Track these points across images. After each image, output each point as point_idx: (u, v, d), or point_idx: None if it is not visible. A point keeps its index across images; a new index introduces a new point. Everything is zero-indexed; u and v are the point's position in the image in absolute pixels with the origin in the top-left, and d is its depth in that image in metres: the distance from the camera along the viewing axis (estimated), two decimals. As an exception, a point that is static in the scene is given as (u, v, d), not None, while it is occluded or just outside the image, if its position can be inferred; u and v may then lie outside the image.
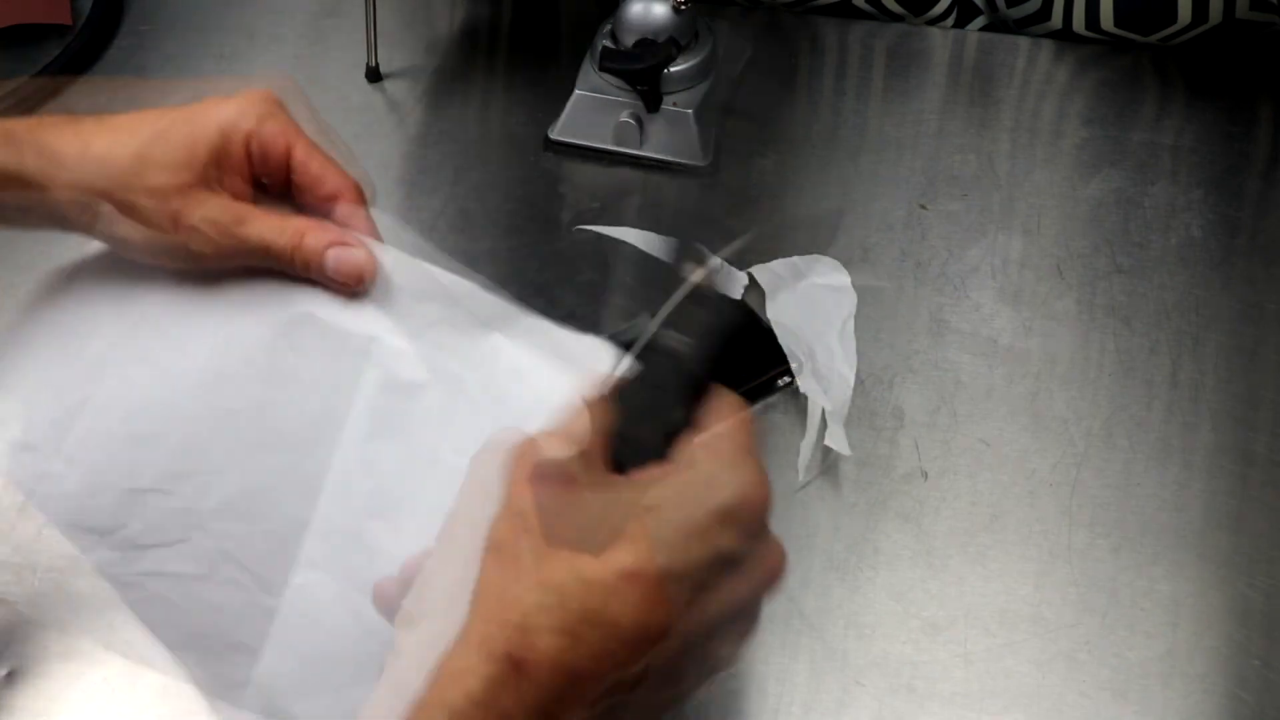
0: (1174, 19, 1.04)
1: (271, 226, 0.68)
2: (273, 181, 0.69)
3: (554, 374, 0.70)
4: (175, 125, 0.67)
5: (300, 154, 0.68)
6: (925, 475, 0.82)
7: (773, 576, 0.56)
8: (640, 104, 0.97)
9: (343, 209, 0.69)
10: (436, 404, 0.70)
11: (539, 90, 1.04)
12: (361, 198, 0.70)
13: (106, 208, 0.67)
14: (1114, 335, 0.89)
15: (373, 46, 1.04)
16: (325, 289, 0.69)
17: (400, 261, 0.70)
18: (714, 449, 0.56)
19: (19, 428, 0.74)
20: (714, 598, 0.54)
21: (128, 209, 0.67)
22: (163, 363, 0.72)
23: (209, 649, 0.72)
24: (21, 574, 0.78)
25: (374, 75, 1.05)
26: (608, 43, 0.98)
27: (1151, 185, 0.97)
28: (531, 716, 0.51)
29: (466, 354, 0.71)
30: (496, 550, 0.54)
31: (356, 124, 1.02)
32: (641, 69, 0.95)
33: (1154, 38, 1.05)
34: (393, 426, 0.70)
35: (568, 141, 1.00)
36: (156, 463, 0.71)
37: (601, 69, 0.97)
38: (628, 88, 0.97)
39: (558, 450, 0.55)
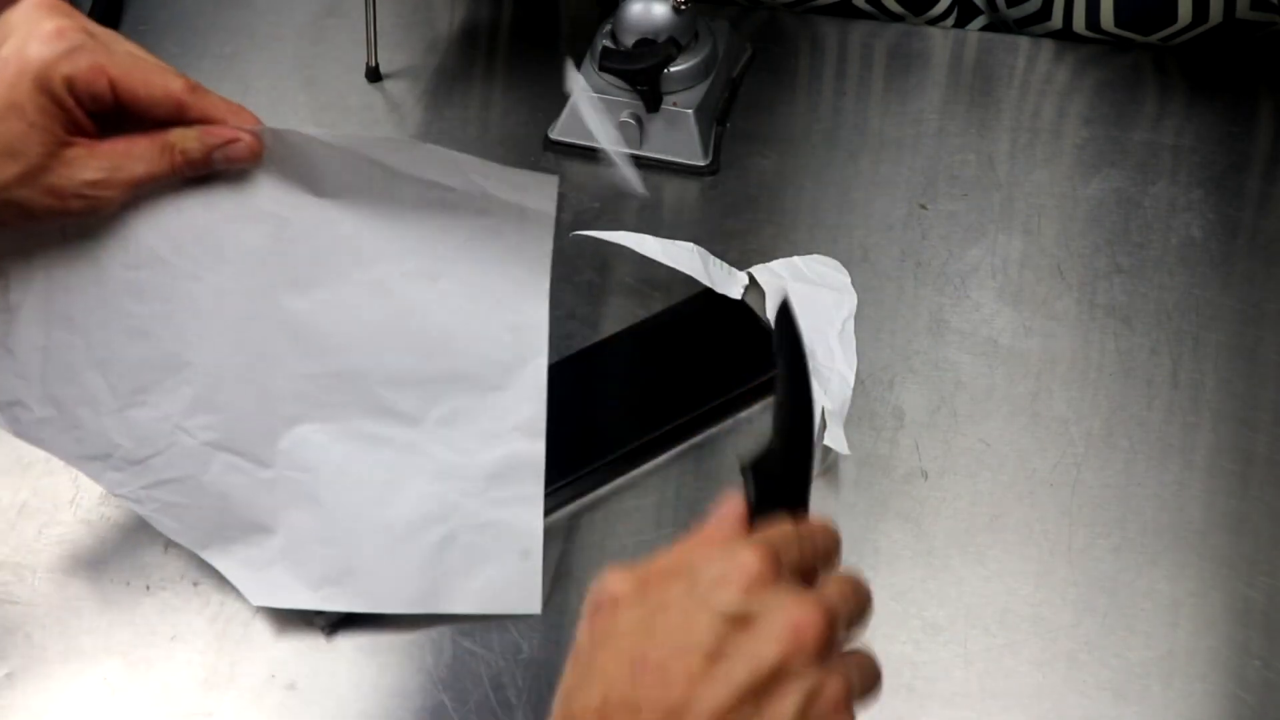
0: (1174, 19, 1.04)
1: (146, 155, 0.68)
2: (102, 111, 0.67)
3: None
4: None
5: (121, 79, 0.66)
6: (925, 475, 0.82)
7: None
8: (640, 104, 0.97)
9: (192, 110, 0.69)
10: (362, 238, 0.73)
11: (539, 90, 1.04)
12: (194, 89, 0.69)
13: None
14: (1114, 335, 0.89)
15: (373, 46, 1.03)
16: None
17: (280, 135, 0.71)
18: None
19: (1, 389, 0.76)
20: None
21: (1, 208, 0.66)
22: (93, 289, 0.73)
23: (230, 538, 0.76)
24: (21, 574, 0.78)
25: (374, 75, 1.05)
26: (608, 43, 0.98)
27: (1151, 185, 0.97)
28: None
29: (375, 190, 0.73)
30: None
31: (356, 124, 1.02)
32: (641, 69, 0.95)
33: (1154, 38, 1.05)
34: (326, 270, 0.73)
35: (568, 141, 1.00)
36: (121, 381, 0.74)
37: (601, 69, 0.97)
38: (628, 88, 0.97)
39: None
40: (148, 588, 0.77)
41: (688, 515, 0.80)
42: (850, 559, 0.78)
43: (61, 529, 0.80)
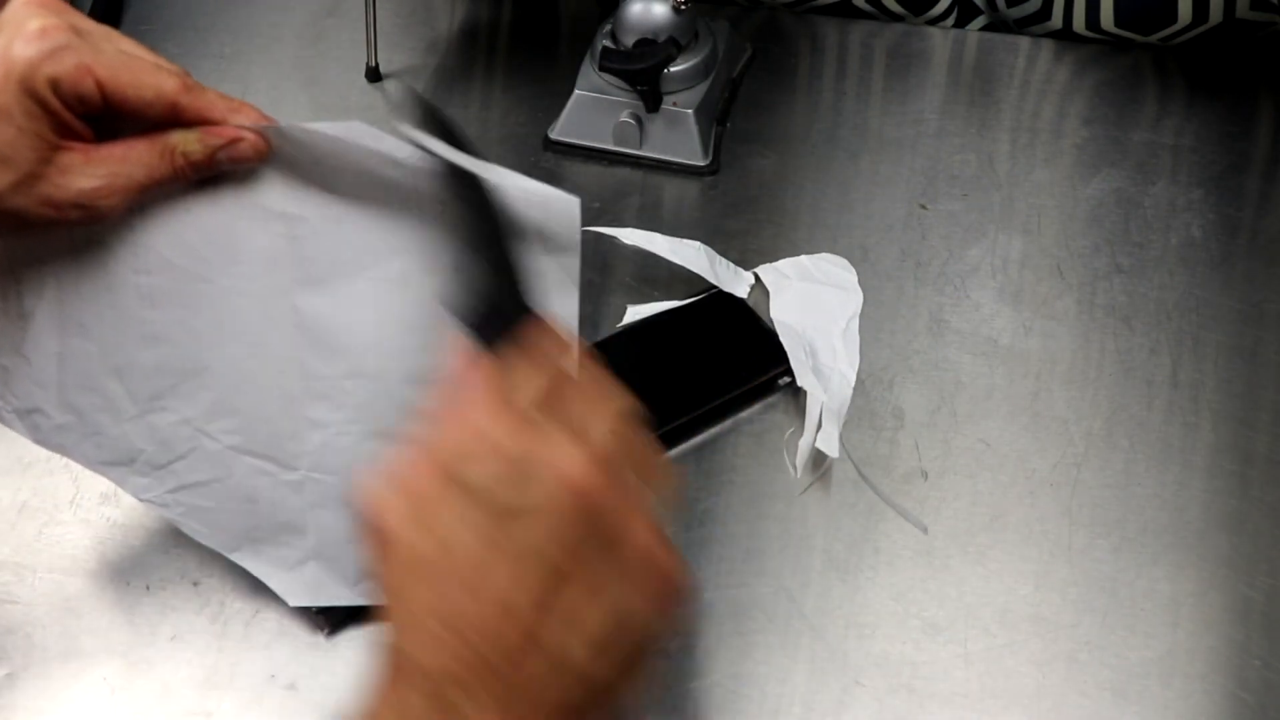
0: (1174, 19, 1.04)
1: (146, 159, 0.66)
2: (92, 113, 0.65)
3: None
4: None
5: (109, 80, 0.63)
6: (925, 475, 0.82)
7: (655, 585, 0.55)
8: (640, 104, 0.97)
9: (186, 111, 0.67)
10: (378, 233, 0.71)
11: (539, 90, 1.04)
12: (189, 88, 0.66)
13: None
14: (1114, 335, 0.89)
15: (373, 46, 1.03)
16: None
17: (289, 131, 0.70)
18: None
19: (19, 396, 0.75)
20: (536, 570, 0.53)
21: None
22: (105, 296, 0.72)
23: (260, 540, 0.75)
24: (21, 574, 0.78)
25: (374, 75, 1.05)
26: (608, 43, 0.98)
27: (1151, 185, 0.97)
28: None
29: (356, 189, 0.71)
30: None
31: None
32: (641, 69, 0.95)
33: (1154, 38, 1.05)
34: (342, 267, 0.71)
35: (568, 141, 1.00)
36: (139, 387, 0.73)
37: (601, 69, 0.97)
38: (628, 88, 0.97)
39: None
40: (148, 588, 0.77)
41: (688, 514, 0.80)
42: (850, 559, 0.78)
43: (61, 529, 0.80)
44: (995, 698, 0.73)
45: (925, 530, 0.79)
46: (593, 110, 0.98)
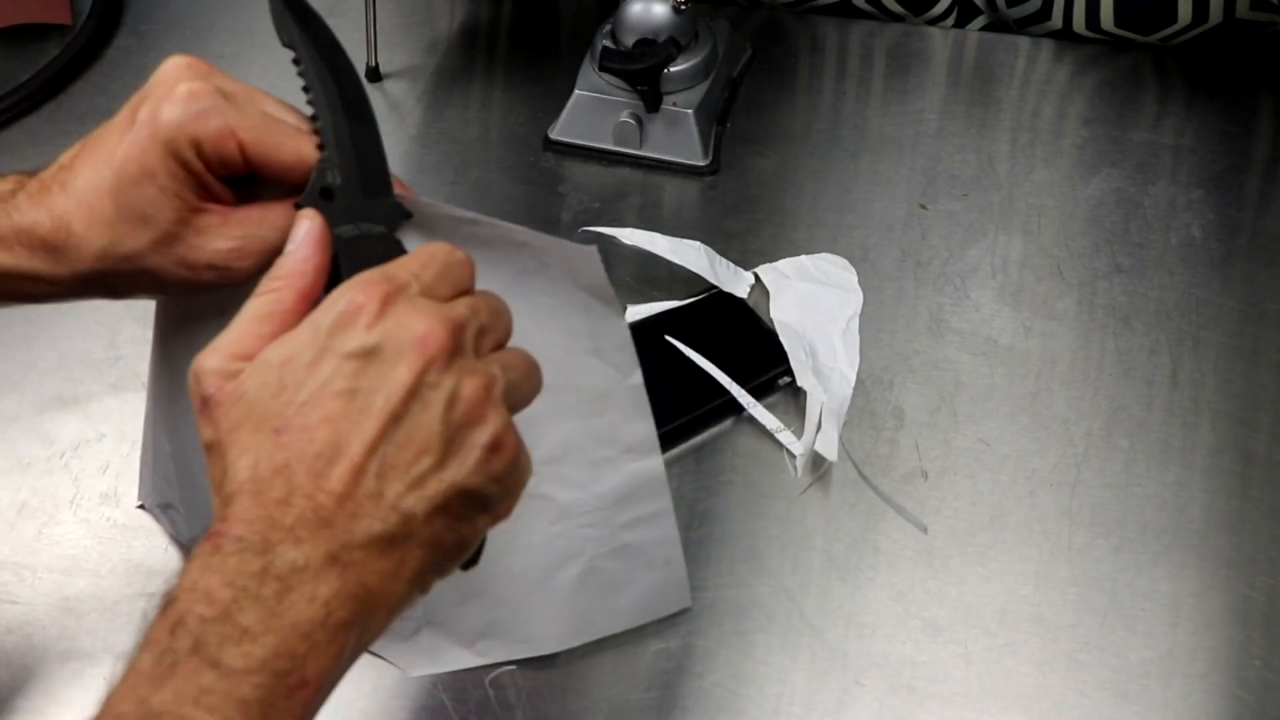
0: (1174, 19, 1.04)
1: (281, 223, 0.65)
2: (234, 175, 0.65)
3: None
4: (124, 175, 0.63)
5: (252, 144, 0.64)
6: (925, 475, 0.82)
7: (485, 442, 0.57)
8: (640, 104, 0.97)
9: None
10: None
11: (539, 90, 1.04)
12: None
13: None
14: (1114, 335, 0.89)
15: (373, 46, 1.04)
16: None
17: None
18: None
19: (157, 491, 0.78)
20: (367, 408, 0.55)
21: (132, 278, 0.65)
22: (181, 396, 0.72)
23: None
24: (21, 574, 0.78)
25: (374, 75, 1.05)
26: (608, 43, 0.98)
27: (1151, 185, 0.97)
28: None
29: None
30: None
31: (356, 124, 1.02)
32: (641, 69, 0.95)
33: (1154, 38, 1.05)
34: None
35: (568, 141, 1.00)
36: None
37: (601, 69, 0.97)
38: (628, 88, 0.97)
39: None
40: (148, 588, 0.77)
41: (688, 514, 0.80)
42: (850, 559, 0.78)
43: (61, 529, 0.80)
44: (995, 698, 0.73)
45: (925, 530, 0.79)
46: (593, 110, 0.98)
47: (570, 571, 0.73)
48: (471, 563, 0.60)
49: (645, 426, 0.72)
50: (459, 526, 0.57)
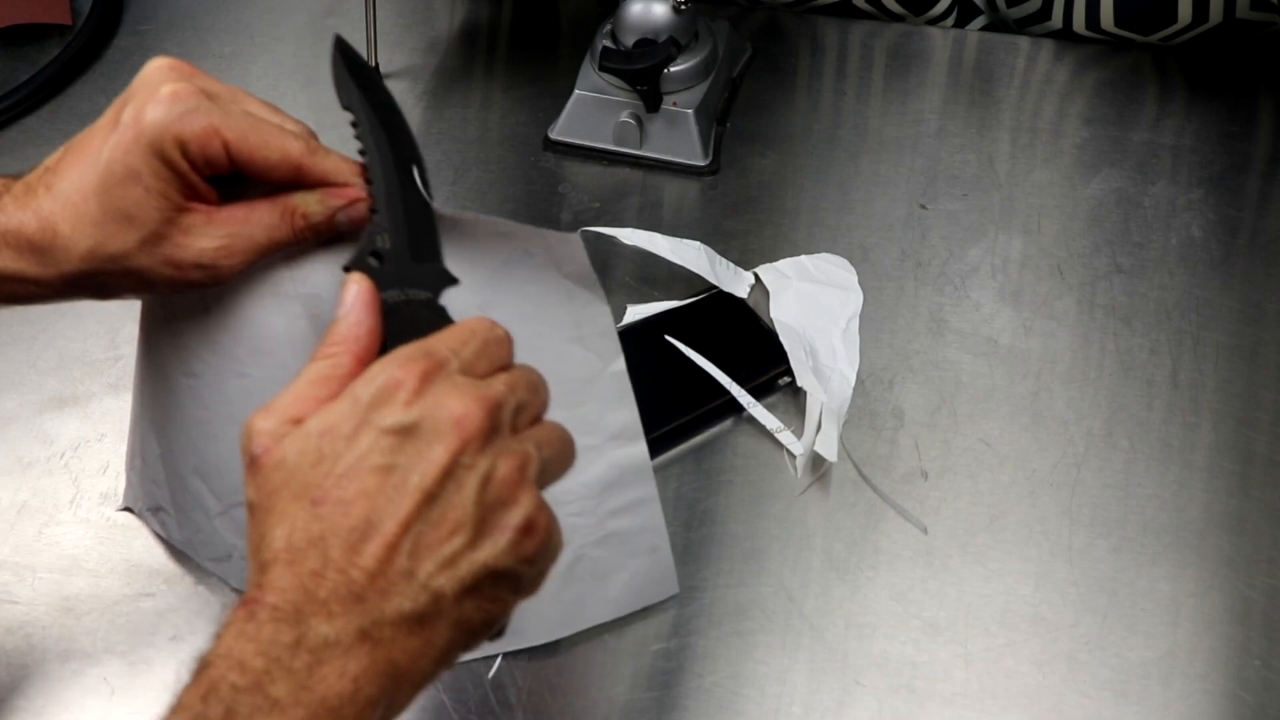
0: (1174, 19, 1.04)
1: (267, 220, 0.66)
2: (219, 174, 0.66)
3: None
4: (109, 175, 0.64)
5: (236, 142, 0.64)
6: (925, 475, 0.82)
7: (520, 528, 0.57)
8: (640, 104, 0.97)
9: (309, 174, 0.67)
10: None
11: (539, 90, 1.04)
12: (313, 150, 0.67)
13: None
14: (1114, 335, 0.89)
15: (373, 46, 1.03)
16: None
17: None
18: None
19: (147, 494, 0.78)
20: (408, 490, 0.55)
21: (119, 278, 0.65)
22: (166, 399, 0.74)
23: None
24: (21, 574, 0.78)
25: (374, 75, 1.05)
26: (608, 43, 0.98)
27: (1151, 185, 0.97)
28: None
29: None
30: None
31: (356, 124, 1.02)
32: (641, 69, 0.95)
33: (1154, 38, 1.05)
34: None
35: (568, 141, 1.00)
36: (217, 484, 0.73)
37: (601, 69, 0.97)
38: (628, 88, 0.97)
39: None
40: (148, 588, 0.77)
41: (688, 514, 0.80)
42: (850, 559, 0.78)
43: (61, 529, 0.80)
44: (995, 698, 0.73)
45: (925, 530, 0.79)
46: (593, 110, 0.98)
47: (559, 561, 0.73)
48: (499, 634, 0.60)
49: (628, 414, 0.72)
50: (488, 606, 0.57)
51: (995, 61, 1.06)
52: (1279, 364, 0.87)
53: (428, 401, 0.56)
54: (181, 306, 0.70)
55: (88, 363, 0.87)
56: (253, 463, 0.57)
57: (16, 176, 0.66)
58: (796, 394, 0.85)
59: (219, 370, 0.71)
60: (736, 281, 0.90)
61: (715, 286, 0.89)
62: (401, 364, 0.57)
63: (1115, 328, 0.89)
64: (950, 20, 1.09)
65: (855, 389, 0.85)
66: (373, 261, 0.63)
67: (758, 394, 0.84)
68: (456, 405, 0.56)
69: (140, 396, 0.76)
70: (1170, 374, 0.87)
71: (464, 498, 0.55)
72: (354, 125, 0.67)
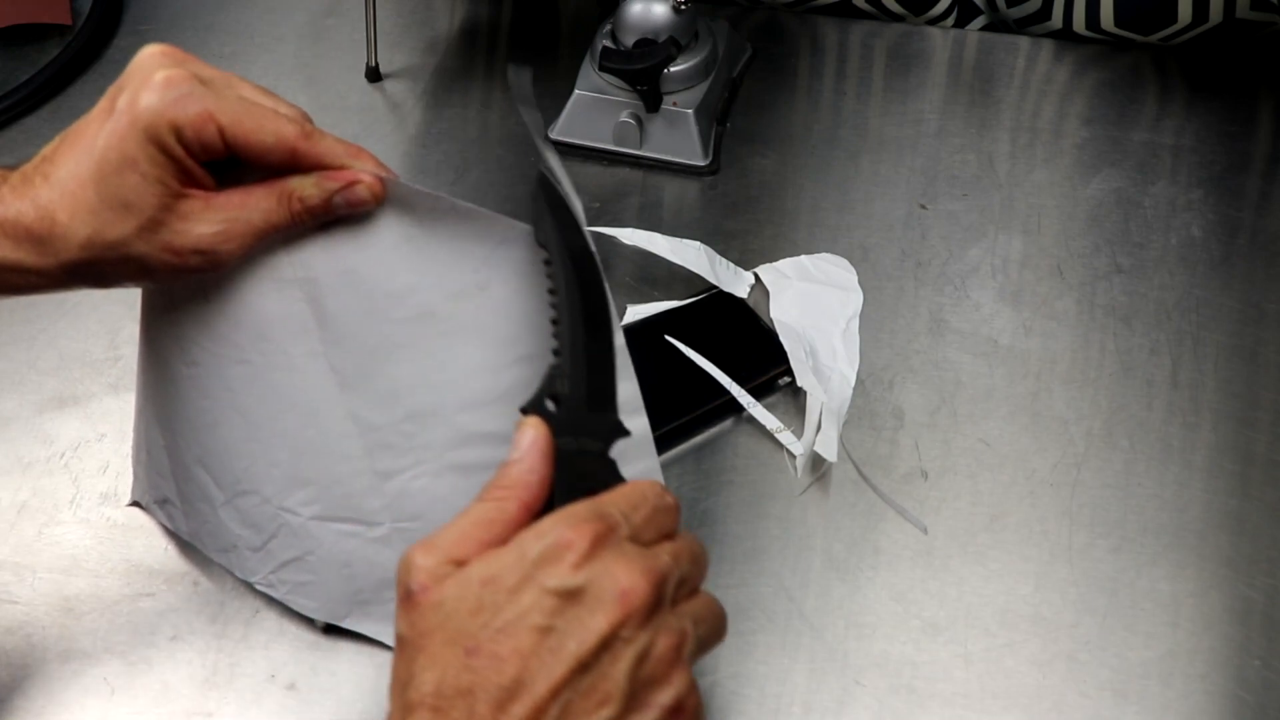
0: (1174, 19, 1.04)
1: (264, 205, 0.66)
2: (215, 159, 0.66)
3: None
4: (106, 163, 0.64)
5: (231, 127, 0.64)
6: (925, 475, 0.82)
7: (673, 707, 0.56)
8: (640, 104, 0.97)
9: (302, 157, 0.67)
10: (389, 273, 0.70)
11: (539, 90, 1.03)
12: (308, 134, 0.67)
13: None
14: (1114, 335, 0.89)
15: (373, 46, 1.04)
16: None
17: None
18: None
19: (154, 487, 0.78)
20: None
21: (118, 266, 0.66)
22: (168, 389, 0.74)
23: (366, 601, 0.75)
24: (21, 574, 0.78)
25: (374, 75, 1.05)
26: (608, 43, 0.98)
27: (1151, 185, 0.97)
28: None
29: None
30: None
31: (356, 124, 1.02)
32: (641, 69, 0.95)
33: (1154, 38, 1.05)
34: (363, 319, 0.71)
35: (568, 141, 1.00)
36: (221, 474, 0.74)
37: (601, 69, 0.97)
38: (628, 88, 0.97)
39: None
40: (148, 588, 0.77)
41: (688, 514, 0.80)
42: (850, 559, 0.78)
43: (61, 529, 0.80)
44: (995, 698, 0.73)
45: (925, 530, 0.79)
46: (593, 110, 0.98)
47: None
48: None
49: (629, 385, 0.71)
50: None
51: (995, 61, 1.06)
52: (1279, 364, 0.87)
53: (596, 568, 0.55)
54: (181, 296, 0.70)
55: (88, 363, 0.87)
56: (408, 597, 0.56)
57: (13, 167, 0.67)
58: (796, 394, 0.85)
59: (220, 358, 0.71)
60: (736, 281, 0.90)
61: (715, 286, 0.89)
62: (573, 524, 0.56)
63: (1115, 328, 0.89)
64: (950, 20, 1.09)
65: (855, 389, 0.85)
66: (550, 405, 0.62)
67: (758, 394, 0.84)
68: (624, 577, 0.55)
69: (143, 389, 0.76)
70: (1170, 374, 0.87)
71: (618, 670, 0.55)
72: (547, 263, 0.66)
